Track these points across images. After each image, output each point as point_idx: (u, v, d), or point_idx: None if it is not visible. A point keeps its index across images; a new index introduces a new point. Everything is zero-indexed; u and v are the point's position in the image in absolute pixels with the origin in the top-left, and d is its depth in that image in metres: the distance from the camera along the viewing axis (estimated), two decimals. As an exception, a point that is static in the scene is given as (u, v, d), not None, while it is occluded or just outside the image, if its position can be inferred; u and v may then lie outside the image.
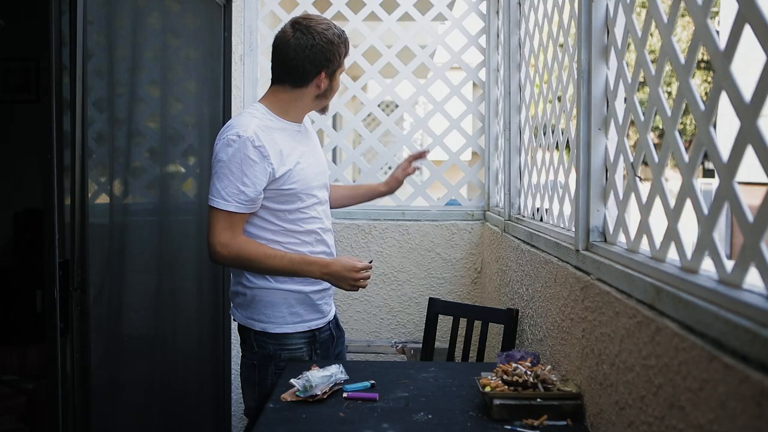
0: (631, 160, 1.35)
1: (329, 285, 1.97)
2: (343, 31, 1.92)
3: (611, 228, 1.45)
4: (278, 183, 1.82)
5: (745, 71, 1.48)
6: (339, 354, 2.12)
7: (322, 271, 1.87)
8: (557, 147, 2.02)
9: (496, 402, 1.47)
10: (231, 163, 1.77)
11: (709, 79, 16.60)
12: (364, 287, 1.91)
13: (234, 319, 2.02)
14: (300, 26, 1.86)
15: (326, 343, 2.03)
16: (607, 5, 1.48)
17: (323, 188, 2.00)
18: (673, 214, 1.13)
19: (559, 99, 1.99)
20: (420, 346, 2.63)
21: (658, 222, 1.12)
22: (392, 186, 2.35)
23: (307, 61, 1.84)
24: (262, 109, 1.89)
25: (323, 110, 2.02)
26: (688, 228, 1.23)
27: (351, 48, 3.13)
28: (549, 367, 1.58)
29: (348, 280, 1.88)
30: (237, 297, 1.97)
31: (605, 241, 1.49)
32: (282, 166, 1.82)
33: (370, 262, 1.92)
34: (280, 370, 1.92)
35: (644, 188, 1.28)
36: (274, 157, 1.80)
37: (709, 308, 0.90)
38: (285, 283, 1.91)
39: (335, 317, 2.10)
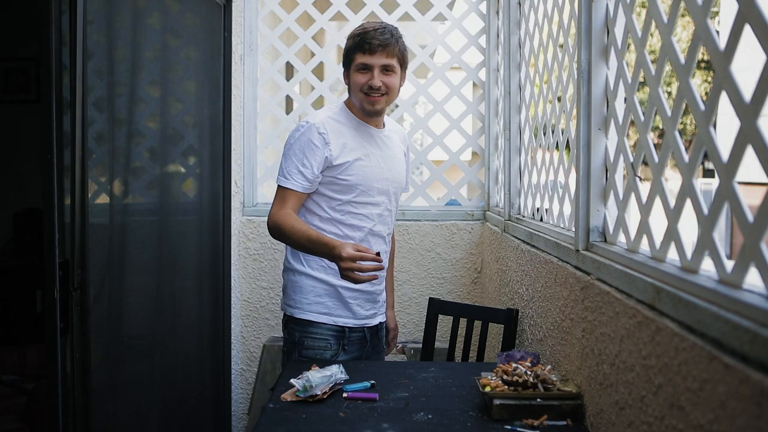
0: (631, 160, 1.35)
1: (370, 286, 2.01)
2: (363, 29, 1.95)
3: (611, 228, 1.45)
4: (335, 171, 1.95)
5: (744, 71, 1.48)
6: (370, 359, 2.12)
7: (328, 252, 1.83)
8: (557, 147, 2.02)
9: (496, 402, 1.47)
10: (295, 146, 1.94)
11: (709, 79, 16.60)
12: (354, 280, 1.79)
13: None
14: None
15: (357, 344, 2.04)
16: (607, 5, 1.48)
17: (384, 194, 2.03)
18: (673, 214, 1.13)
19: (559, 99, 1.99)
20: (420, 346, 2.63)
21: (658, 222, 1.12)
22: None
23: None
24: (341, 105, 2.05)
25: (365, 112, 2.02)
26: (688, 228, 1.23)
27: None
28: (549, 367, 1.58)
29: (342, 268, 1.79)
30: (283, 281, 2.08)
31: (605, 241, 1.49)
32: (341, 157, 1.94)
33: (377, 254, 1.80)
34: (304, 358, 1.95)
35: (644, 188, 1.28)
36: (335, 145, 1.94)
37: (709, 308, 0.90)
38: (316, 271, 1.98)
39: (380, 328, 2.12)
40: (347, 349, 2.01)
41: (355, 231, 1.99)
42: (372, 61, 1.93)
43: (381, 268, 1.81)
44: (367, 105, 1.98)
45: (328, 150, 1.93)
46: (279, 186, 1.97)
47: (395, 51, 1.95)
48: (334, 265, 1.91)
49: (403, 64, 2.00)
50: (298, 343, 1.98)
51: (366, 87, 1.95)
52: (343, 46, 3.08)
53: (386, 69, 1.95)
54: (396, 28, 2.00)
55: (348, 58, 1.98)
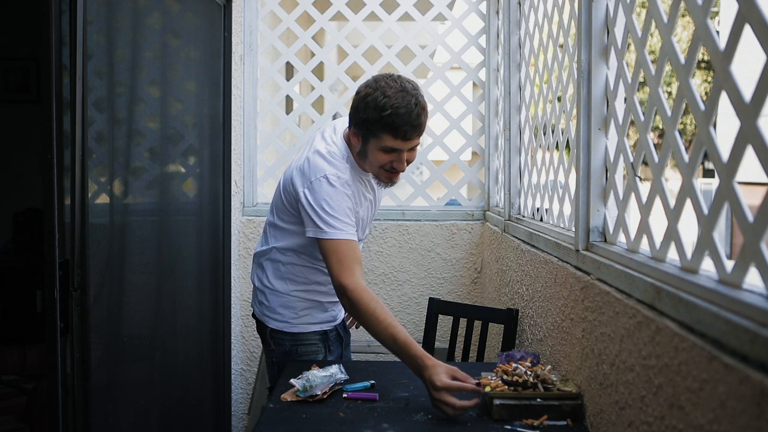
0: (631, 160, 1.34)
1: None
2: (394, 107, 1.71)
3: (611, 228, 1.45)
4: None
5: (744, 71, 1.48)
6: (343, 356, 2.14)
7: (416, 367, 1.57)
8: (557, 147, 2.02)
9: (496, 402, 1.47)
10: (336, 195, 1.79)
11: (709, 79, 16.59)
12: (446, 413, 1.49)
13: (253, 314, 2.09)
14: None
15: (336, 342, 2.07)
16: (607, 5, 1.48)
17: (365, 230, 2.01)
18: (673, 214, 1.13)
19: (559, 99, 1.99)
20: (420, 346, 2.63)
21: (658, 222, 1.12)
22: None
23: None
24: (347, 156, 1.88)
25: (379, 185, 1.92)
26: (688, 228, 1.23)
27: (351, 48, 3.15)
28: (549, 367, 1.58)
29: (434, 398, 1.51)
30: (257, 291, 2.04)
31: (605, 241, 1.49)
32: None
33: (477, 383, 1.52)
34: (292, 362, 1.96)
35: (644, 188, 1.28)
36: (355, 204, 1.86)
37: (709, 308, 0.89)
38: (303, 292, 1.98)
39: (342, 320, 2.13)
40: (332, 350, 2.03)
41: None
42: (403, 146, 1.76)
43: (474, 403, 1.49)
44: (386, 181, 1.87)
45: (352, 207, 1.81)
46: (330, 241, 1.74)
47: (424, 127, 1.78)
48: (320, 284, 1.94)
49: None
50: (290, 352, 1.99)
51: (389, 167, 1.81)
52: (343, 46, 3.12)
53: (412, 148, 1.81)
54: (418, 90, 1.76)
55: (370, 131, 1.75)
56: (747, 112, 0.86)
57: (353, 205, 1.82)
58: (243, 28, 3.02)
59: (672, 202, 1.14)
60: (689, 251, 1.07)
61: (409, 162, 1.84)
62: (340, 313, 2.10)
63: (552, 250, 1.79)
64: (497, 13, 3.06)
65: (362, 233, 1.99)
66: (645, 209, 1.26)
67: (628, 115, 1.37)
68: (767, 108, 0.86)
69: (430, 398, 1.51)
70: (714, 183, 13.97)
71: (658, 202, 1.21)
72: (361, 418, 1.49)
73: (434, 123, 3.26)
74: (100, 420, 1.80)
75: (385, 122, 1.71)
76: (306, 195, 1.79)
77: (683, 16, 13.26)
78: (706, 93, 14.91)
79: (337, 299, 1.94)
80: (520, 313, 2.21)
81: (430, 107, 3.19)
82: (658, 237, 1.20)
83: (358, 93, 1.79)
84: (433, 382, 1.50)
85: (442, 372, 1.51)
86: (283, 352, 2.00)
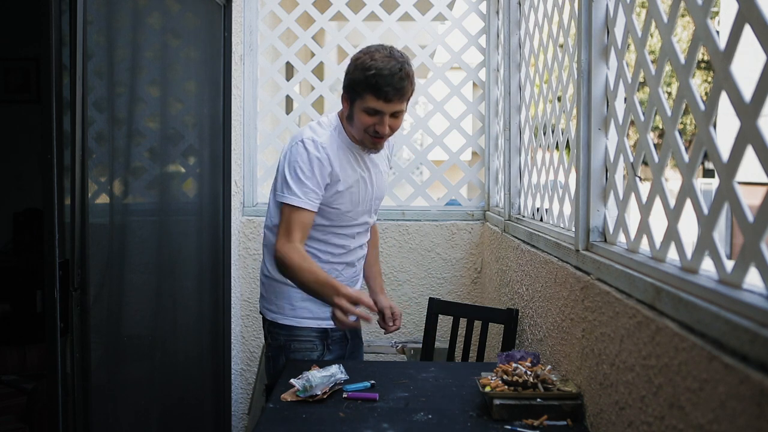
0: (631, 160, 1.35)
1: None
2: (378, 69, 1.78)
3: (611, 228, 1.45)
4: (325, 197, 1.91)
5: (744, 71, 1.48)
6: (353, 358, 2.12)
7: (332, 290, 1.76)
8: (557, 147, 2.02)
9: (496, 402, 1.47)
10: (302, 162, 1.88)
11: (709, 79, 16.59)
12: (337, 321, 1.72)
13: (260, 310, 2.11)
14: None
15: (339, 343, 2.05)
16: (607, 5, 1.48)
17: (367, 213, 2.03)
18: (673, 214, 1.13)
19: (559, 99, 1.99)
20: (420, 346, 2.63)
21: (658, 222, 1.12)
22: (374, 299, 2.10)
23: None
24: (337, 125, 1.96)
25: (365, 149, 1.95)
26: (688, 228, 1.23)
27: (351, 48, 3.15)
28: (549, 367, 1.58)
29: (335, 304, 1.72)
30: (261, 285, 2.06)
31: (605, 241, 1.49)
32: (335, 184, 1.90)
33: (374, 307, 1.78)
34: (293, 361, 1.95)
35: (644, 188, 1.28)
36: (334, 169, 1.89)
37: (709, 308, 0.89)
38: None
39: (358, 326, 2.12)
40: (331, 349, 2.01)
41: (337, 249, 1.98)
42: (386, 108, 1.81)
43: (367, 319, 1.76)
44: (371, 146, 1.91)
45: (330, 171, 1.86)
46: (286, 205, 1.85)
47: (408, 94, 1.84)
48: None
49: (410, 98, 1.89)
50: (284, 347, 1.98)
51: (372, 130, 1.85)
52: (343, 46, 3.12)
53: (396, 113, 1.84)
54: (407, 60, 1.83)
55: (355, 91, 1.82)
56: (747, 112, 0.86)
57: (331, 168, 1.86)
58: (243, 28, 3.02)
59: (672, 202, 1.14)
60: (689, 251, 1.07)
61: (393, 129, 1.87)
62: (351, 316, 2.07)
63: (552, 250, 1.79)
64: (497, 13, 3.06)
65: (353, 209, 1.95)
66: (645, 209, 1.26)
67: (628, 115, 1.37)
68: (767, 108, 0.86)
69: (331, 307, 1.73)
70: (714, 183, 13.96)
71: (658, 202, 1.21)
72: (361, 418, 1.49)
73: (434, 123, 3.27)
74: (100, 420, 1.80)
75: (369, 82, 1.78)
76: (282, 160, 1.90)
77: (683, 16, 13.26)
78: (706, 93, 14.90)
79: None
80: (520, 313, 2.21)
81: (429, 107, 3.19)
82: (658, 237, 1.20)
83: (351, 59, 1.88)
84: (337, 289, 1.71)
85: (347, 288, 1.73)
86: (278, 347, 1.99)
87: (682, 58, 1.10)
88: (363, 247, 2.08)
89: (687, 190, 1.07)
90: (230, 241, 2.78)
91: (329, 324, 1.99)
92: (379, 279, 2.21)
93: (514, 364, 1.56)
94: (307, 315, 1.98)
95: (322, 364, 1.79)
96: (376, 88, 1.77)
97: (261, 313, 2.07)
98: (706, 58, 12.94)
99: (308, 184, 1.83)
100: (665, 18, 1.17)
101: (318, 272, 1.81)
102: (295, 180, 1.84)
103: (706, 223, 1.00)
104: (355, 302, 1.72)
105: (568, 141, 1.91)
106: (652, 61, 1.22)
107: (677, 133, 1.14)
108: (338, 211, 1.93)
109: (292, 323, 1.98)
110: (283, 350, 1.98)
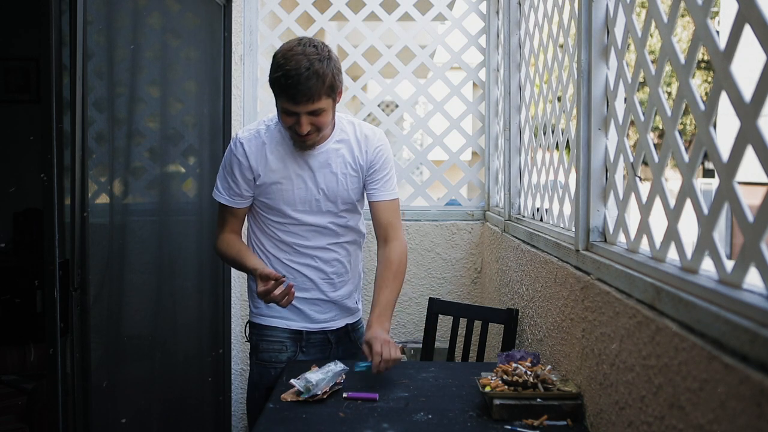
0: (631, 160, 1.35)
1: (324, 295, 1.98)
2: (285, 69, 1.70)
3: (611, 228, 1.45)
4: (257, 191, 1.94)
5: (744, 71, 1.48)
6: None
7: (253, 278, 1.86)
8: (557, 147, 2.02)
9: (496, 402, 1.47)
10: (225, 159, 1.95)
11: (709, 79, 16.60)
12: (266, 302, 1.79)
13: None
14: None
15: (318, 346, 2.01)
16: (607, 5, 1.48)
17: (317, 214, 1.93)
18: (673, 214, 1.13)
19: (559, 99, 1.99)
20: (420, 346, 2.63)
21: (658, 222, 1.12)
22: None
23: None
24: (277, 121, 1.94)
25: (296, 147, 1.89)
26: (688, 228, 1.23)
27: (351, 48, 3.15)
28: (549, 367, 1.58)
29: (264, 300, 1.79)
30: None
31: (605, 241, 1.49)
32: (261, 177, 1.90)
33: (283, 277, 1.74)
34: (261, 362, 1.95)
35: (644, 188, 1.28)
36: (255, 164, 1.89)
37: (709, 308, 0.89)
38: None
39: (351, 330, 2.06)
40: (305, 351, 1.98)
41: (286, 246, 1.95)
42: (297, 110, 1.73)
43: (289, 291, 1.75)
44: (299, 146, 1.86)
45: (249, 168, 1.88)
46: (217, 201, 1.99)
47: (322, 93, 1.72)
48: (278, 272, 1.87)
49: (334, 93, 1.77)
50: (255, 347, 1.99)
51: (293, 130, 1.79)
52: (343, 46, 3.12)
53: (315, 112, 1.75)
54: (321, 56, 1.72)
55: (274, 91, 1.77)
56: (747, 112, 0.86)
57: (248, 163, 1.88)
58: (243, 28, 3.02)
59: (672, 202, 1.14)
60: (689, 251, 1.07)
61: (318, 127, 1.78)
62: (337, 320, 2.01)
63: (552, 250, 1.79)
64: (497, 13, 3.06)
65: (288, 206, 1.90)
66: (645, 209, 1.26)
67: (628, 115, 1.37)
68: (767, 108, 0.86)
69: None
70: (714, 183, 13.97)
71: (658, 202, 1.21)
72: (361, 418, 1.49)
73: (434, 123, 3.27)
74: (100, 420, 1.80)
75: (279, 83, 1.71)
76: None
77: (683, 16, 13.26)
78: (706, 93, 14.91)
79: (312, 296, 1.97)
80: (520, 313, 2.21)
81: (429, 107, 3.19)
82: (658, 237, 1.20)
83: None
84: (253, 272, 1.82)
85: (259, 281, 1.77)
86: (252, 346, 2.00)
87: (682, 58, 1.10)
88: (327, 250, 1.96)
89: (687, 190, 1.07)
90: (230, 241, 2.78)
91: (302, 326, 1.97)
92: (378, 309, 1.85)
93: (514, 364, 1.56)
94: (275, 314, 1.96)
95: (322, 364, 1.79)
96: (284, 89, 1.71)
97: None
98: (706, 58, 12.94)
99: (226, 178, 1.92)
100: (665, 18, 1.17)
101: (242, 257, 1.90)
102: (219, 176, 1.97)
103: (706, 223, 1.00)
104: (265, 279, 1.75)
105: (568, 141, 1.91)
106: (652, 61, 1.22)
107: (677, 133, 1.14)
108: (266, 204, 1.91)
109: (260, 321, 1.98)
110: (255, 351, 1.99)
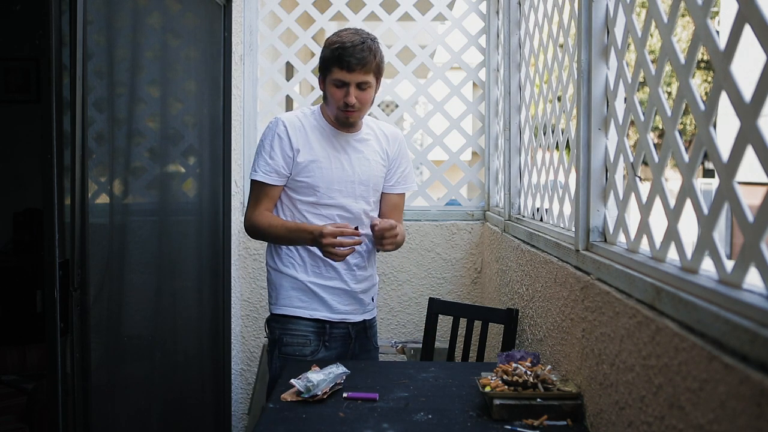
0: (631, 160, 1.35)
1: (346, 285, 2.00)
2: (342, 42, 1.89)
3: (611, 228, 1.45)
4: (294, 171, 1.97)
5: (744, 71, 1.48)
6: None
7: (309, 236, 1.89)
8: (557, 147, 2.02)
9: (496, 402, 1.47)
10: (264, 140, 1.99)
11: (709, 79, 16.60)
12: (335, 256, 1.85)
13: None
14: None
15: (340, 340, 2.03)
16: (607, 5, 1.48)
17: (350, 197, 2.00)
18: (673, 214, 1.13)
19: (559, 99, 1.99)
20: (420, 346, 2.63)
21: (658, 222, 1.12)
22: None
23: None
24: (315, 109, 2.06)
25: (340, 123, 2.00)
26: (688, 228, 1.23)
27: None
28: (549, 367, 1.58)
29: (323, 245, 1.85)
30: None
31: (605, 241, 1.49)
32: (300, 155, 1.96)
33: (356, 228, 1.86)
34: (284, 355, 1.95)
35: (644, 188, 1.28)
36: (296, 141, 1.96)
37: (709, 308, 0.89)
38: (287, 267, 2.00)
39: (368, 327, 2.10)
40: (328, 346, 2.00)
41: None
42: (349, 78, 1.90)
43: (359, 242, 1.88)
44: (343, 119, 1.97)
45: (290, 144, 1.96)
46: (251, 181, 2.01)
47: (372, 67, 1.92)
48: (303, 261, 1.98)
49: (379, 75, 1.98)
50: (278, 340, 1.98)
51: (342, 103, 1.92)
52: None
53: (362, 85, 1.92)
54: (373, 38, 1.96)
55: (325, 68, 1.95)
56: (747, 112, 0.86)
57: (289, 140, 1.95)
58: (243, 28, 3.02)
59: (672, 202, 1.14)
60: (689, 251, 1.07)
61: (362, 103, 1.94)
62: (357, 314, 2.04)
63: (552, 250, 1.79)
64: (497, 13, 3.06)
65: (326, 186, 1.96)
66: (645, 209, 1.26)
67: (628, 115, 1.37)
68: (767, 108, 0.86)
69: (321, 251, 1.87)
70: (714, 183, 13.97)
71: (658, 202, 1.21)
72: (361, 418, 1.49)
73: (434, 123, 3.27)
74: (100, 420, 1.80)
75: (333, 54, 1.90)
76: None
77: (683, 16, 13.25)
78: (706, 93, 14.90)
79: (334, 284, 1.99)
80: (520, 313, 2.21)
81: (429, 107, 3.19)
82: (658, 237, 1.20)
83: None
84: (321, 232, 1.83)
85: (327, 225, 1.86)
86: (273, 341, 2.00)
87: (682, 58, 1.10)
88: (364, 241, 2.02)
89: (687, 190, 1.07)
90: (230, 241, 2.78)
91: (325, 316, 1.99)
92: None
93: (514, 364, 1.56)
94: (298, 304, 1.98)
95: (323, 364, 1.79)
96: (340, 60, 1.89)
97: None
98: (706, 58, 12.94)
99: (265, 157, 1.96)
100: (665, 18, 1.17)
101: (286, 223, 1.95)
102: (256, 155, 2.00)
103: (706, 223, 1.00)
104: (336, 234, 1.83)
105: (568, 141, 1.91)
106: (652, 61, 1.22)
107: (677, 133, 1.14)
108: (306, 184, 1.96)
109: (284, 312, 1.99)
110: (277, 344, 1.98)
